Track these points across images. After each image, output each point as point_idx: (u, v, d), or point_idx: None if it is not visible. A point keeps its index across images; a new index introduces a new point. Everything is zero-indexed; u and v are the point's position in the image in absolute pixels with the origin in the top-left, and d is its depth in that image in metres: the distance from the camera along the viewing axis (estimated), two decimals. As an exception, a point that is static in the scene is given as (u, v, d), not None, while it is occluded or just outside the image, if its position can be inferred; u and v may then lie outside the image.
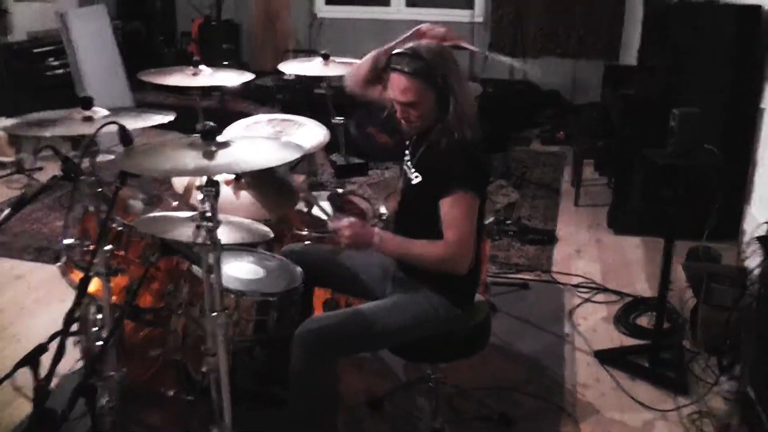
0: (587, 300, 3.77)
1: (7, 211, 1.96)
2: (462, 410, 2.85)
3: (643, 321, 3.56)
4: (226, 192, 2.60)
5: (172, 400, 2.50)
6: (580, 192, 5.17)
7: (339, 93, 3.14)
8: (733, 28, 4.12)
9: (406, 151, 2.50)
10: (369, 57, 2.58)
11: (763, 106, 3.66)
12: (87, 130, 1.99)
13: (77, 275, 2.49)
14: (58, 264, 2.59)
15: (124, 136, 1.90)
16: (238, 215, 2.48)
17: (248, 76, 3.30)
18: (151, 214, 2.41)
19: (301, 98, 6.38)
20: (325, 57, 3.30)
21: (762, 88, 4.10)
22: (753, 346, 2.71)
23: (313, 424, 2.26)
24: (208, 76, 3.20)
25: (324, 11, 7.58)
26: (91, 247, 2.22)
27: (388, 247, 2.28)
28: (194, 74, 3.15)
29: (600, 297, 3.81)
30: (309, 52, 7.29)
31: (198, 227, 1.77)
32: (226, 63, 6.61)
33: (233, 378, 2.57)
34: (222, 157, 1.74)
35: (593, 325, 3.54)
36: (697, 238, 3.53)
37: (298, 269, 2.53)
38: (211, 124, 1.81)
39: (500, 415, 2.79)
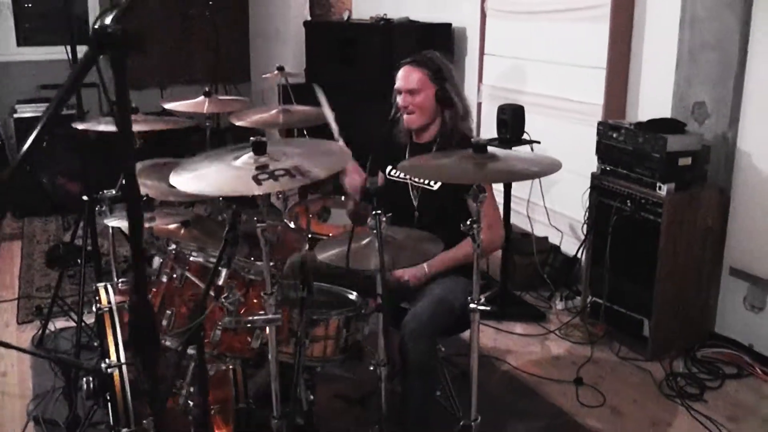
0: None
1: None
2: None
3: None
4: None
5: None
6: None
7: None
8: (429, 42, 5.10)
9: (389, 166, 2.82)
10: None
11: (479, 100, 4.75)
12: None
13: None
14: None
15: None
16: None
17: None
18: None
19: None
20: (207, 94, 3.24)
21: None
22: (586, 270, 3.73)
23: (431, 404, 2.52)
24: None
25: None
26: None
27: (436, 269, 2.62)
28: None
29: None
30: None
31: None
32: None
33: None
34: (494, 167, 1.91)
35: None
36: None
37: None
38: (483, 141, 1.95)
39: (461, 374, 3.28)
